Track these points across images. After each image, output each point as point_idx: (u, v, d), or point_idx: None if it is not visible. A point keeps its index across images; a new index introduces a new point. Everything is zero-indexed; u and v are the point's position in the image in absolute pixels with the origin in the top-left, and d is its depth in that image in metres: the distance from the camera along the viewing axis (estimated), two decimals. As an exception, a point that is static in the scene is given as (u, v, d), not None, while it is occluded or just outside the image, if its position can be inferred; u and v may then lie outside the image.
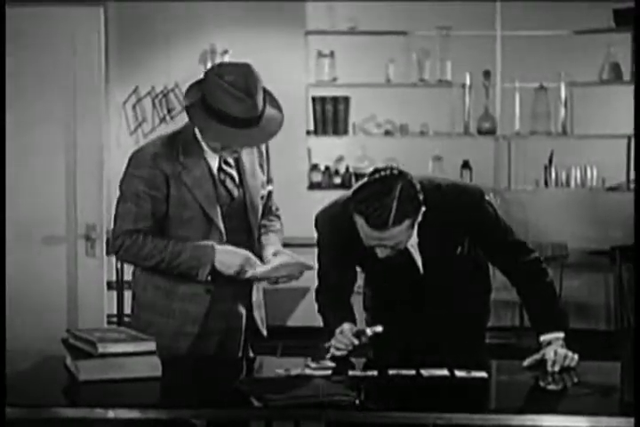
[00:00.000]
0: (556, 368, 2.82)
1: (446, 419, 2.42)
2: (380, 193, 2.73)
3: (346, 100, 7.19)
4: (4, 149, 4.76)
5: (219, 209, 3.11)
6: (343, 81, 7.17)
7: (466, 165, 7.14)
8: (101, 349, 2.70)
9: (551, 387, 2.72)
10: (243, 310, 3.24)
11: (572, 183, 7.14)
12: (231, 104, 2.95)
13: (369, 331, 2.99)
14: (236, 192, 3.16)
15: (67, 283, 5.31)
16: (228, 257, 3.05)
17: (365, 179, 2.81)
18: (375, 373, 2.80)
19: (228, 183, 3.15)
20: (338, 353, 3.00)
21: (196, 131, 3.09)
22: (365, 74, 7.16)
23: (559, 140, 7.19)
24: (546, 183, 7.16)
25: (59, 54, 5.24)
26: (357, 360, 2.94)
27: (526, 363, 2.89)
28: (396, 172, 2.79)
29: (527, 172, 7.22)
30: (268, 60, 7.07)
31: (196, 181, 3.08)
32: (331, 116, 7.18)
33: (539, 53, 7.11)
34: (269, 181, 3.36)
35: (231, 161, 3.17)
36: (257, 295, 3.30)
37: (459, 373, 2.78)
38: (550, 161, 7.15)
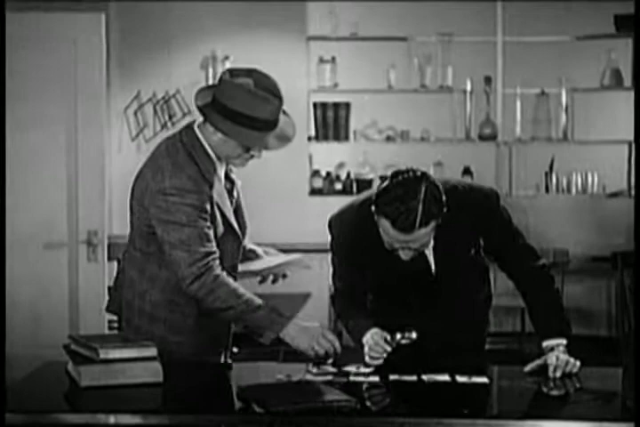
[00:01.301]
0: (558, 374, 2.82)
1: (447, 424, 2.42)
2: (405, 196, 2.73)
3: (347, 105, 7.19)
4: (5, 152, 4.77)
5: (234, 220, 3.09)
6: (344, 87, 7.17)
7: (467, 170, 7.14)
8: (103, 354, 2.71)
9: (553, 393, 2.72)
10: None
11: (573, 189, 7.14)
12: (257, 106, 2.91)
13: (399, 336, 2.94)
14: (234, 201, 3.17)
15: (68, 288, 5.32)
16: (299, 336, 2.99)
17: (387, 182, 2.79)
18: (376, 378, 2.80)
19: (234, 192, 3.16)
20: (375, 362, 2.93)
21: (203, 141, 3.02)
22: (367, 80, 7.16)
23: (560, 146, 7.19)
24: (547, 189, 7.16)
25: (60, 60, 5.26)
26: (358, 365, 2.94)
27: (528, 368, 2.89)
28: (419, 173, 2.78)
29: (528, 177, 7.22)
30: (269, 65, 7.01)
31: (220, 195, 3.04)
32: (332, 121, 7.18)
33: (540, 59, 7.12)
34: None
35: (230, 173, 3.17)
36: None
37: (460, 378, 2.78)
38: (551, 167, 7.15)
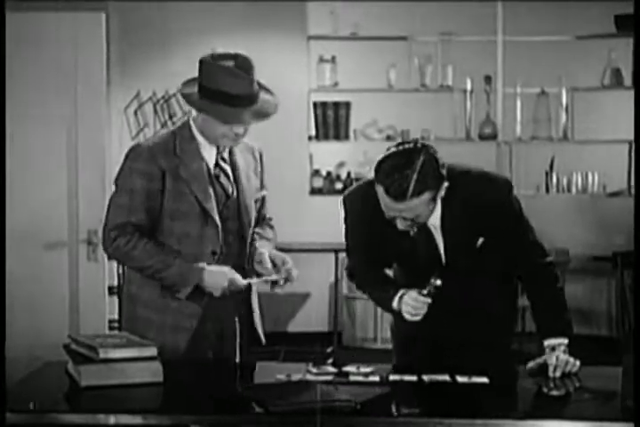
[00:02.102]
0: (558, 374, 2.82)
1: (447, 424, 2.42)
2: (401, 164, 2.78)
3: (347, 105, 7.19)
4: (5, 152, 4.76)
5: (215, 204, 3.13)
6: (345, 86, 7.18)
7: (467, 170, 7.13)
8: (103, 354, 2.71)
9: (553, 392, 2.72)
10: (239, 313, 3.25)
11: (574, 189, 7.14)
12: (230, 82, 3.02)
13: (432, 280, 2.91)
14: (230, 189, 3.19)
15: (68, 288, 5.32)
16: (215, 279, 3.07)
17: (390, 150, 2.85)
18: (377, 378, 2.80)
19: (223, 179, 3.18)
20: (416, 318, 2.95)
21: (193, 127, 3.14)
22: (367, 79, 7.16)
23: (560, 146, 7.19)
24: (547, 189, 7.16)
25: (60, 59, 5.25)
26: (358, 365, 2.94)
27: (528, 367, 2.89)
28: (419, 145, 2.83)
29: (528, 177, 7.21)
30: (270, 64, 7.07)
31: (193, 175, 3.11)
32: (332, 121, 7.19)
33: (540, 59, 7.12)
34: (263, 187, 3.36)
35: (227, 158, 3.20)
36: (255, 300, 3.31)
37: (460, 378, 2.78)
38: (551, 166, 7.15)
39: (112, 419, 2.45)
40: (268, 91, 3.18)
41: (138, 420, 2.46)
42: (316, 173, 7.26)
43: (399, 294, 2.98)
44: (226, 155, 3.20)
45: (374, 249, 3.10)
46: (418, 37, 7.17)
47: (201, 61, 3.09)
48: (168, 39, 6.97)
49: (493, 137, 7.17)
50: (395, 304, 2.99)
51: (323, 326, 7.14)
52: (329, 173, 7.27)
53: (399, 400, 2.62)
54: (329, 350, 6.82)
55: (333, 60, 7.16)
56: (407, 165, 2.77)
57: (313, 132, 7.22)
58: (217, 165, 3.17)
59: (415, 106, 7.19)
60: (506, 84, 7.17)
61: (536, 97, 7.18)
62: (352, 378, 2.81)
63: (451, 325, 3.07)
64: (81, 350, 2.79)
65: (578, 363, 2.88)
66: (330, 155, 7.30)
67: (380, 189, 2.82)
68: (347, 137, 7.23)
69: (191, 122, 3.17)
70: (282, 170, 6.96)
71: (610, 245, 6.74)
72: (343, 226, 3.13)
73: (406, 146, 2.83)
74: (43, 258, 5.31)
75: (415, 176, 2.76)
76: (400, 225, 2.89)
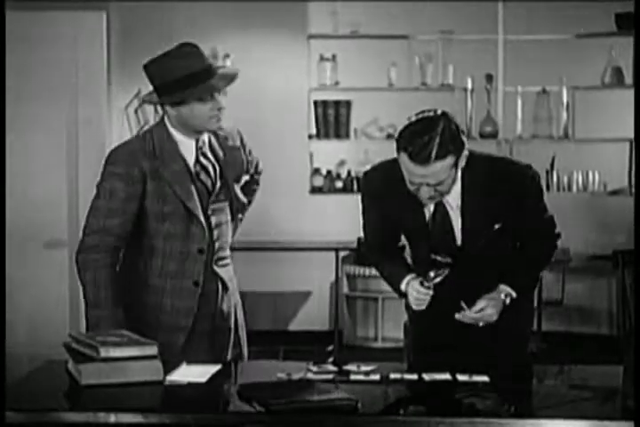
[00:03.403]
0: (467, 319, 2.95)
1: (448, 423, 2.42)
2: (423, 130, 2.86)
3: (348, 103, 7.19)
4: (5, 151, 4.77)
5: (198, 203, 3.14)
6: (345, 85, 7.17)
7: (468, 169, 7.13)
8: (104, 353, 2.70)
9: (553, 391, 2.72)
10: (230, 310, 3.28)
11: (574, 187, 7.14)
12: (180, 64, 3.04)
13: (432, 274, 2.99)
14: (210, 186, 3.19)
15: (69, 287, 5.32)
16: None
17: (412, 118, 2.92)
18: (377, 377, 2.80)
19: (203, 176, 3.18)
20: (420, 308, 3.04)
21: (169, 126, 3.15)
22: (367, 78, 7.16)
23: (561, 144, 7.19)
24: (547, 187, 7.15)
25: (61, 59, 5.26)
26: (359, 364, 2.93)
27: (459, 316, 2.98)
28: (439, 112, 2.92)
29: (529, 176, 7.20)
30: (270, 63, 7.09)
31: (175, 175, 3.12)
32: (333, 119, 7.18)
33: (541, 57, 7.11)
34: (250, 166, 3.40)
35: (208, 152, 3.20)
36: (234, 298, 3.33)
37: (461, 377, 2.78)
38: (552, 165, 7.15)
39: (112, 418, 2.45)
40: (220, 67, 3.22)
41: (138, 418, 2.46)
42: (317, 171, 7.25)
43: (408, 278, 3.06)
44: (207, 149, 3.20)
45: (390, 224, 3.14)
46: (418, 36, 7.17)
47: (145, 66, 3.12)
48: (169, 38, 6.93)
49: (494, 135, 7.17)
50: (403, 286, 3.08)
51: (323, 325, 7.14)
52: (329, 172, 7.27)
53: (400, 399, 2.62)
54: (329, 348, 6.82)
55: (334, 58, 7.16)
56: (429, 129, 2.86)
57: (313, 131, 7.22)
58: (197, 161, 3.18)
59: (416, 105, 7.09)
60: (507, 82, 7.17)
61: (537, 96, 7.18)
62: (353, 377, 2.81)
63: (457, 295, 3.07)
64: (81, 349, 2.79)
65: (495, 318, 2.97)
66: (330, 154, 7.29)
67: (403, 157, 2.87)
68: (347, 136, 7.23)
69: (166, 120, 3.17)
70: (282, 168, 6.97)
71: (610, 244, 6.73)
72: (360, 204, 3.18)
73: (426, 114, 2.91)
74: (43, 258, 5.31)
75: (438, 139, 2.84)
76: (424, 194, 2.94)
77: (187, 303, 3.16)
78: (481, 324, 3.01)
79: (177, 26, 6.96)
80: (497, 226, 3.06)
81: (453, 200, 3.03)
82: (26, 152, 5.27)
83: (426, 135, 2.84)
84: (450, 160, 2.88)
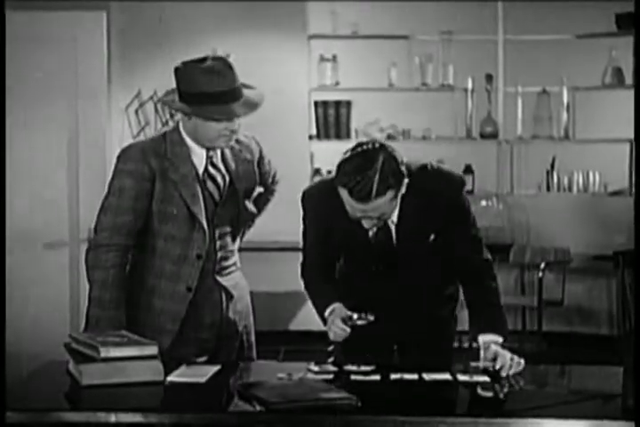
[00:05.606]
0: (504, 373, 2.82)
1: (449, 423, 2.42)
2: (362, 166, 2.80)
3: (348, 104, 7.18)
4: (5, 151, 4.76)
5: (203, 208, 3.14)
6: (345, 85, 7.17)
7: (468, 169, 7.13)
8: (104, 353, 2.71)
9: (553, 391, 2.72)
10: (236, 317, 3.27)
11: (575, 188, 7.13)
12: (209, 80, 3.01)
13: (356, 317, 3.00)
14: (217, 197, 3.19)
15: (69, 287, 5.32)
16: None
17: (349, 153, 2.86)
18: (377, 377, 2.80)
19: (210, 185, 3.18)
20: (337, 340, 3.07)
21: (182, 132, 3.14)
22: (368, 78, 7.16)
23: (561, 145, 7.19)
24: (548, 188, 7.15)
25: (61, 59, 5.26)
26: (359, 364, 2.93)
27: (473, 366, 2.89)
28: (377, 145, 2.86)
29: (529, 176, 7.21)
30: (271, 64, 7.09)
31: (182, 178, 3.12)
32: (333, 120, 7.18)
33: (541, 57, 7.11)
34: (264, 178, 3.40)
35: (219, 163, 3.19)
36: (241, 304, 3.31)
37: (461, 377, 2.78)
38: (552, 165, 7.14)
39: (113, 417, 2.45)
40: (249, 86, 3.17)
41: (138, 418, 2.46)
42: (317, 172, 7.25)
43: (333, 306, 3.05)
44: (217, 160, 3.19)
45: (330, 244, 3.13)
46: (419, 36, 7.16)
47: (176, 69, 3.09)
48: (169, 38, 6.96)
49: (494, 136, 7.17)
50: (326, 314, 3.08)
51: (323, 325, 7.13)
52: (330, 173, 7.25)
53: (400, 398, 2.62)
54: (330, 348, 6.82)
55: (334, 59, 7.16)
56: (368, 165, 2.80)
57: (314, 132, 7.22)
58: (206, 170, 3.17)
59: (416, 105, 7.19)
60: (507, 83, 7.16)
61: (537, 96, 7.18)
62: (353, 377, 2.81)
63: (394, 326, 3.13)
64: (82, 349, 2.80)
65: (522, 361, 2.87)
66: (331, 154, 7.26)
67: (343, 192, 2.83)
68: (348, 136, 7.23)
69: (180, 127, 3.16)
70: (282, 169, 6.95)
71: (611, 245, 6.74)
72: (301, 223, 3.16)
73: (364, 147, 2.85)
74: (44, 258, 5.31)
75: (377, 176, 2.79)
76: (366, 224, 2.93)
77: (176, 307, 3.15)
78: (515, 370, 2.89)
79: (177, 26, 6.97)
80: (432, 237, 3.06)
81: (393, 215, 3.01)
82: (26, 152, 5.26)
83: (365, 172, 2.78)
84: (390, 194, 2.83)
